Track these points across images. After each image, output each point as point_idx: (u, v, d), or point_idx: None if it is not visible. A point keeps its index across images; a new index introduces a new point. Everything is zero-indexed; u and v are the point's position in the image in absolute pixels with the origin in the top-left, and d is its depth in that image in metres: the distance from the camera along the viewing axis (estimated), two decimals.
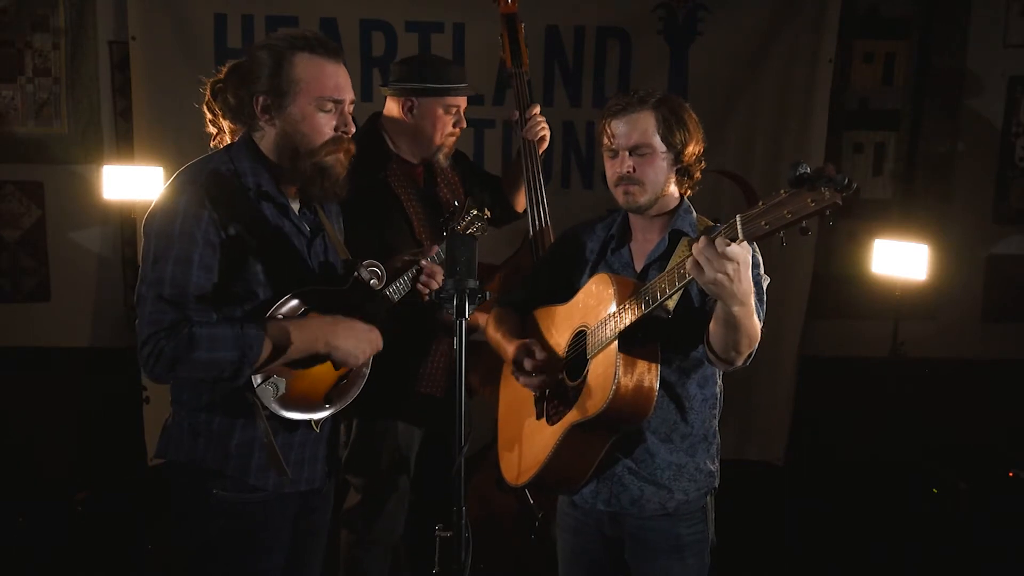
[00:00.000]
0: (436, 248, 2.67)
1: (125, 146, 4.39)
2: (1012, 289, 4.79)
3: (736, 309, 2.07)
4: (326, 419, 2.36)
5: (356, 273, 2.46)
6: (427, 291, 2.57)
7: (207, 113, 2.43)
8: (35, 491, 4.27)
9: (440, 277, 2.54)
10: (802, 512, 4.41)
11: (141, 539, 3.98)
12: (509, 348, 2.55)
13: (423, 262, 2.56)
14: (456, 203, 2.69)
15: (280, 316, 2.26)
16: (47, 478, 4.35)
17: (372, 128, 3.17)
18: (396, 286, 2.54)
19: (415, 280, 2.57)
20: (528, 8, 3.43)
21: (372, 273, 2.50)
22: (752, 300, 2.09)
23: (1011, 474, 4.30)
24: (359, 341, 2.33)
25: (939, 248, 4.29)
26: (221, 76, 2.39)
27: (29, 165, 4.47)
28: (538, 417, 2.54)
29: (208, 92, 2.41)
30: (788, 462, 4.75)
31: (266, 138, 2.32)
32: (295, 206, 2.38)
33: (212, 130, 2.44)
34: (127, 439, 4.39)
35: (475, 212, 2.62)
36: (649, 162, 2.38)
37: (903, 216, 4.68)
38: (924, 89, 4.70)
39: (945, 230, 4.58)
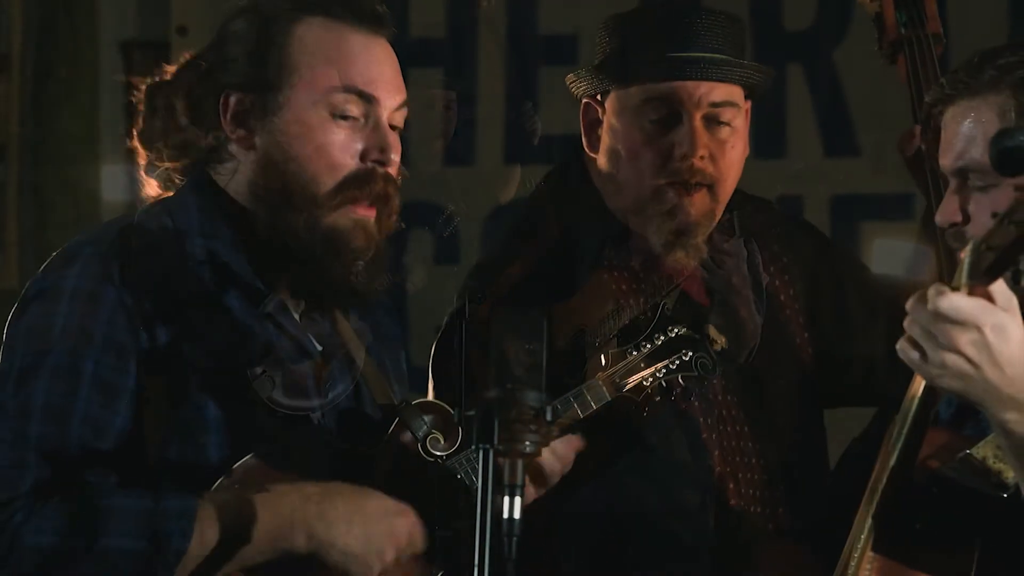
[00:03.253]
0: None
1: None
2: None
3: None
4: None
5: (397, 420, 1.40)
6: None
7: (140, 148, 1.45)
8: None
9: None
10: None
11: None
12: None
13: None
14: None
15: (235, 480, 1.30)
16: None
17: None
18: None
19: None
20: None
21: (430, 426, 1.38)
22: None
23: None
24: (370, 534, 1.32)
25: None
26: (167, 76, 1.45)
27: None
28: None
29: (145, 105, 1.44)
30: None
31: (237, 174, 1.40)
32: (293, 304, 1.42)
33: (151, 191, 1.41)
34: None
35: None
36: None
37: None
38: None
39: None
